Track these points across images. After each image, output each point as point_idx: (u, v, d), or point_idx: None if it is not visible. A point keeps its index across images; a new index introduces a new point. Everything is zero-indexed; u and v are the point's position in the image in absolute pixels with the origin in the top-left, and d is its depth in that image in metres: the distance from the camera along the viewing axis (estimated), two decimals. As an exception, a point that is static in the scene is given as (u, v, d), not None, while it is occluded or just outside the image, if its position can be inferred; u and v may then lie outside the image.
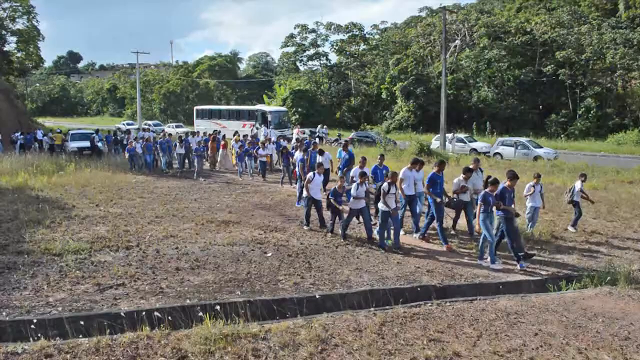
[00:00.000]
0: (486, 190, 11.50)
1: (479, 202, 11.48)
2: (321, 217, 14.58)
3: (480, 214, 11.39)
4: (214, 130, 33.05)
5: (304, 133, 38.98)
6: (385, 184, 12.48)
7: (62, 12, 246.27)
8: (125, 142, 33.40)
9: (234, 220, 15.41)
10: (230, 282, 10.03)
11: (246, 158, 24.76)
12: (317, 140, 28.21)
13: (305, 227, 14.39)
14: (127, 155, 26.41)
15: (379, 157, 15.95)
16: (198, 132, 33.34)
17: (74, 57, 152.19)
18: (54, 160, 27.55)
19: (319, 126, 47.40)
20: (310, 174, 14.63)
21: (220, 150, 27.95)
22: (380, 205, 12.55)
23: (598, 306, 9.11)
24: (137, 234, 13.65)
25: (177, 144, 27.50)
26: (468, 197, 13.55)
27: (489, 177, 11.92)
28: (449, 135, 39.32)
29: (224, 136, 30.67)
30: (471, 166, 13.92)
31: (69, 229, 13.99)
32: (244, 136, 29.48)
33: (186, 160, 27.56)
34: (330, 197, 13.53)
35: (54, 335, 7.66)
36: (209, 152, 27.52)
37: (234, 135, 30.78)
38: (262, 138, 31.04)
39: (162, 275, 10.35)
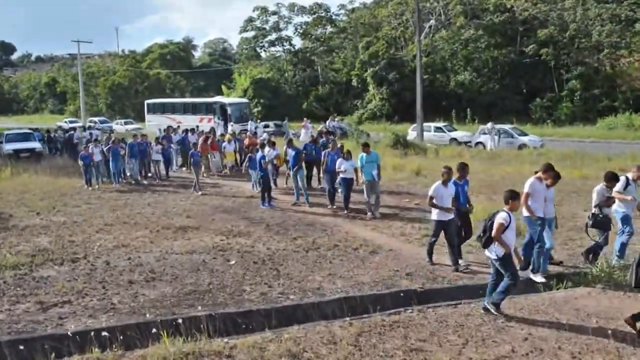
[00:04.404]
0: None
1: None
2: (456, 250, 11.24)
3: None
4: (211, 128, 30.96)
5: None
6: (504, 214, 8.71)
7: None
8: (74, 141, 32.65)
9: (192, 225, 15.29)
10: (190, 294, 9.94)
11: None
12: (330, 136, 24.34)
13: (426, 261, 11.50)
14: (80, 163, 22.44)
15: (459, 167, 11.95)
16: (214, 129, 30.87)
17: (7, 48, 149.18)
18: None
19: (330, 118, 45.59)
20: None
21: (211, 151, 25.28)
22: (496, 249, 8.79)
23: (592, 306, 9.25)
24: (84, 244, 13.44)
25: (153, 147, 24.42)
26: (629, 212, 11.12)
27: None
28: (488, 126, 36.08)
29: (213, 133, 27.96)
30: (631, 175, 11.31)
31: (6, 241, 13.72)
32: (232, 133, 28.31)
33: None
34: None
35: (-9, 362, 7.50)
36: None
37: (221, 135, 29.23)
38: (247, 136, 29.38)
39: (113, 290, 10.20)
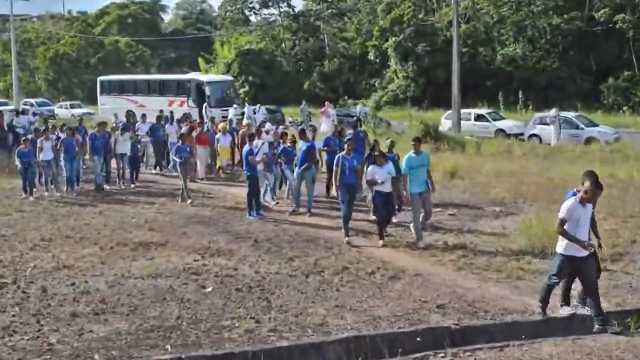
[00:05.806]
0: None
1: None
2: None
3: None
4: (185, 113, 29.81)
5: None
6: None
7: None
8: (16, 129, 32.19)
9: (157, 241, 15.29)
10: (153, 331, 9.90)
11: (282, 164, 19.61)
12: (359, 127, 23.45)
13: (538, 312, 10.46)
14: (17, 163, 21.05)
15: (588, 179, 9.56)
16: (187, 116, 29.22)
17: None
18: None
19: (360, 104, 45.72)
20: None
21: (198, 147, 23.96)
22: None
23: (682, 351, 9.18)
24: (13, 265, 13.43)
25: (116, 139, 22.85)
26: None
27: None
28: (551, 113, 35.35)
29: (198, 123, 26.90)
30: None
31: None
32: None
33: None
34: None
35: None
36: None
37: (211, 122, 28.20)
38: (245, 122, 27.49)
39: (51, 325, 10.15)
